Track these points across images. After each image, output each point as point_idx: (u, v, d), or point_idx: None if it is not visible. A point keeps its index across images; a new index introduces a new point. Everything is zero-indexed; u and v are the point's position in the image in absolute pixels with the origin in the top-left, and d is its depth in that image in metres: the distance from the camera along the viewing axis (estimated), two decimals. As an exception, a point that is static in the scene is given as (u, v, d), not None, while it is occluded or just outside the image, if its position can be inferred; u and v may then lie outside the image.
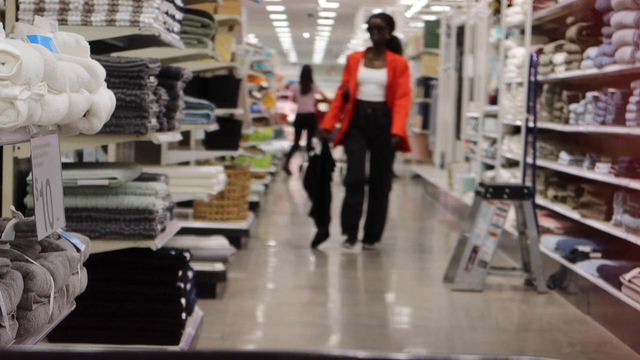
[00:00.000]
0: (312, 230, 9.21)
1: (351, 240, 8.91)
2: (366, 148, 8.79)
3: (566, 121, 7.69)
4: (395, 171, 9.24)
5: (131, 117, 4.09)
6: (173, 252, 4.60)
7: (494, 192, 7.24)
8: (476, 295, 6.99)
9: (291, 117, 21.59)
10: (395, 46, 8.95)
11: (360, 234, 9.02)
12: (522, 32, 9.26)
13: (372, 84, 8.73)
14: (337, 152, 14.80)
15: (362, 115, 8.75)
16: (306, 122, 17.80)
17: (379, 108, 8.74)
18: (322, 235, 9.01)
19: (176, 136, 4.70)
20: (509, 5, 9.77)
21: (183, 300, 4.50)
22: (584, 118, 7.16)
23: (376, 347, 5.52)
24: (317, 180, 8.91)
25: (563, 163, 7.70)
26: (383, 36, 8.85)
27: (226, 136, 7.68)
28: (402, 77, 8.75)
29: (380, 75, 8.75)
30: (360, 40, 20.64)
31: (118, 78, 4.09)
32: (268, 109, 14.25)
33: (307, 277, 7.90)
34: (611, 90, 6.56)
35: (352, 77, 8.78)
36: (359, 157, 8.78)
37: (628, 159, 6.19)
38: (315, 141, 9.05)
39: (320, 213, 8.96)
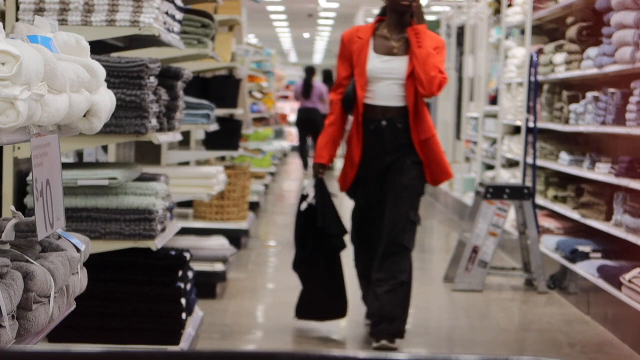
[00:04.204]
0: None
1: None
2: (379, 195, 5.54)
3: (566, 121, 7.69)
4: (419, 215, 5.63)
5: (131, 117, 4.09)
6: (173, 252, 4.60)
7: (494, 192, 7.24)
8: (476, 295, 6.99)
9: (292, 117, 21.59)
10: (416, 16, 5.53)
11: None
12: (522, 32, 9.26)
13: (389, 79, 5.47)
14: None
15: (373, 132, 5.50)
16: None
17: (398, 118, 5.48)
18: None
19: (176, 136, 4.70)
20: (509, 5, 9.77)
21: (183, 300, 4.50)
22: (584, 118, 7.16)
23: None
24: (315, 251, 5.65)
25: (563, 163, 7.70)
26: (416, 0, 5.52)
27: (226, 136, 7.68)
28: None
29: (401, 65, 5.46)
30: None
31: (118, 78, 4.09)
32: (268, 109, 14.25)
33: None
34: (611, 90, 6.56)
35: (359, 69, 5.48)
36: (366, 217, 5.63)
37: (628, 159, 6.19)
38: (307, 183, 5.77)
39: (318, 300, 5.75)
